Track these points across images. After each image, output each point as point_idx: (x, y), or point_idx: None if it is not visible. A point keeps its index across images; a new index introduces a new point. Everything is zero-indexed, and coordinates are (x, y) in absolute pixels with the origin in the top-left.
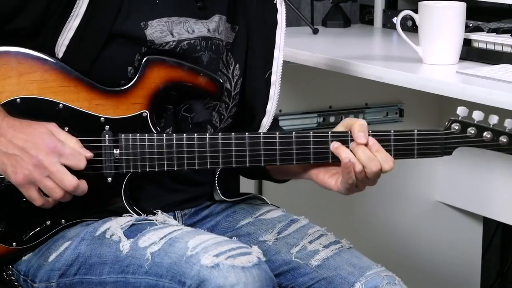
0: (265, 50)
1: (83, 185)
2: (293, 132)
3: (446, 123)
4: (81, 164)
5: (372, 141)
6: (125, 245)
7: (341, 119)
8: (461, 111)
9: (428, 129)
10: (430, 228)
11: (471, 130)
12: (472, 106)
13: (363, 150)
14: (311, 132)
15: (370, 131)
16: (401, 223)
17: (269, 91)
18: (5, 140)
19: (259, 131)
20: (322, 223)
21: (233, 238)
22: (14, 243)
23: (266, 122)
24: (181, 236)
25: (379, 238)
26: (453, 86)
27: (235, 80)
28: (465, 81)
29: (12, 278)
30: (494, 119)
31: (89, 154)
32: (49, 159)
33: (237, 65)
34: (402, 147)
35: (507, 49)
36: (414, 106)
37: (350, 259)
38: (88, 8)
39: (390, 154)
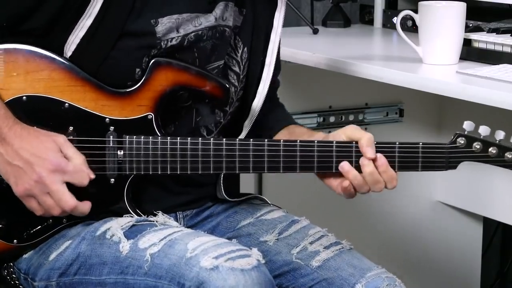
0: (265, 33)
1: (83, 207)
2: (298, 140)
3: (452, 137)
4: (85, 181)
5: (381, 161)
6: (125, 246)
7: (341, 119)
8: (467, 125)
9: (433, 143)
10: (430, 228)
11: (477, 145)
12: (472, 106)
13: (370, 173)
14: (315, 141)
15: (376, 143)
16: (401, 223)
17: (262, 73)
18: (11, 150)
19: (250, 113)
20: (323, 224)
21: (234, 239)
22: (15, 240)
23: (256, 105)
24: (181, 238)
25: (380, 238)
26: (453, 86)
27: (243, 63)
28: (465, 81)
29: (13, 276)
30: (500, 135)
31: (93, 175)
32: (51, 178)
33: (245, 48)
34: (406, 160)
35: (507, 49)
36: (414, 106)
37: (350, 260)
38: (102, 8)
39: (394, 166)
